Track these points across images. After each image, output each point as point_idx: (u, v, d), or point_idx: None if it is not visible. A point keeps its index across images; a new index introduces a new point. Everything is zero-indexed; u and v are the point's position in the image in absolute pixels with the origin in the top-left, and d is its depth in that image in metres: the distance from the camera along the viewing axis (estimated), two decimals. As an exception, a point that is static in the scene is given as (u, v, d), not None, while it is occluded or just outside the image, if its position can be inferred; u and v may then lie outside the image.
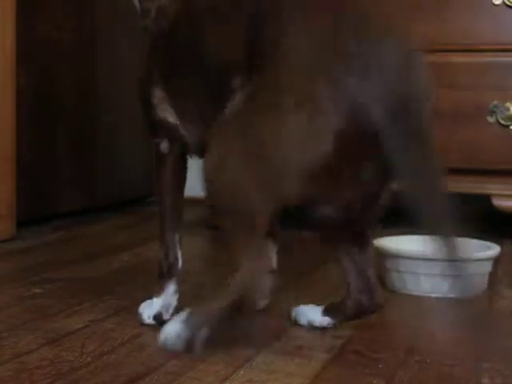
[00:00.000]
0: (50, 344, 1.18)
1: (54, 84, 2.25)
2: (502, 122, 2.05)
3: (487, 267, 1.58)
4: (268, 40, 1.09)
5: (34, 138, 2.16)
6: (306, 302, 1.29)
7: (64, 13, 2.28)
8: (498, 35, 2.07)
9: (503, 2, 2.05)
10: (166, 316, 1.27)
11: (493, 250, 1.61)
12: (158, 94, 1.25)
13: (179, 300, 1.29)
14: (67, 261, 1.78)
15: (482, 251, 1.61)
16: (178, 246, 1.28)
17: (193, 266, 1.63)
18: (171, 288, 1.27)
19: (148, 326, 1.27)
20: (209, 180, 1.11)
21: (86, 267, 1.72)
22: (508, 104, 2.05)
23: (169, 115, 1.25)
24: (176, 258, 1.27)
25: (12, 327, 1.26)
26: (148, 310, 1.28)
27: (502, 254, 1.67)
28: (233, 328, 1.11)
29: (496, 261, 1.64)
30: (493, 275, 1.63)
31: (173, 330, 1.13)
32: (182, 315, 1.14)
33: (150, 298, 1.29)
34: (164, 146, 1.26)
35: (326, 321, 1.25)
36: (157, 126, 1.27)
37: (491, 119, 2.06)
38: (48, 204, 2.24)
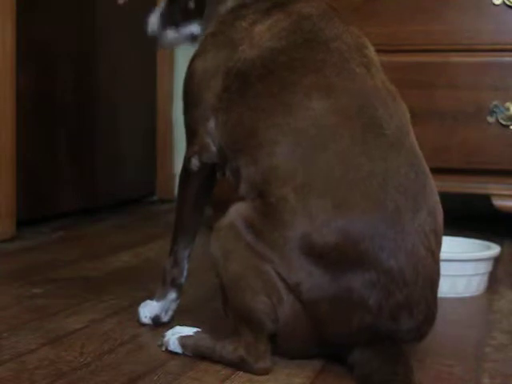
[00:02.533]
0: (50, 344, 1.18)
1: (54, 84, 2.25)
2: (502, 121, 2.05)
3: (487, 267, 1.58)
4: None
5: (34, 138, 2.16)
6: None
7: (64, 13, 2.28)
8: (498, 35, 2.07)
9: (503, 2, 2.05)
10: (164, 318, 1.28)
11: (493, 250, 1.61)
12: (212, 118, 1.19)
13: (180, 300, 1.29)
14: (67, 261, 1.78)
15: (482, 251, 1.61)
16: (186, 260, 1.28)
17: (193, 266, 1.63)
18: (172, 295, 1.28)
19: (148, 326, 1.27)
20: (216, 267, 1.11)
21: (86, 267, 1.72)
22: (508, 104, 2.05)
23: (211, 138, 1.20)
24: (181, 273, 1.28)
25: (12, 327, 1.26)
26: (146, 310, 1.28)
27: (501, 253, 1.68)
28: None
29: (496, 261, 1.65)
30: (493, 275, 1.63)
31: (170, 339, 1.15)
32: (186, 332, 1.15)
33: (150, 298, 1.29)
34: (194, 163, 1.22)
35: None
36: (195, 140, 1.22)
37: (491, 119, 2.06)
38: (48, 204, 2.24)
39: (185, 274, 1.28)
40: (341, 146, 1.07)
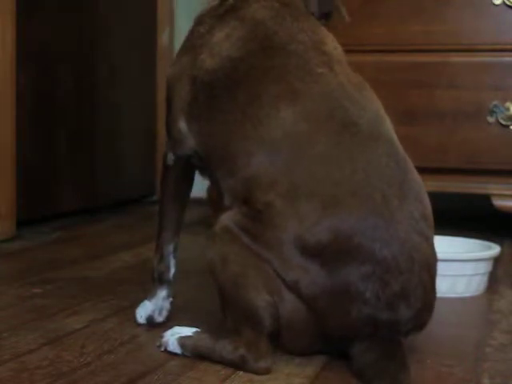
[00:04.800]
0: (50, 344, 1.18)
1: (54, 84, 2.25)
2: (502, 121, 2.05)
3: (487, 267, 1.58)
4: None
5: (34, 138, 2.16)
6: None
7: (64, 13, 2.28)
8: (498, 35, 2.07)
9: (503, 2, 2.05)
10: (158, 319, 1.28)
11: (493, 250, 1.61)
12: (184, 117, 1.21)
13: (175, 302, 1.30)
14: (67, 261, 1.78)
15: (482, 251, 1.61)
16: (171, 255, 1.28)
17: (192, 265, 1.63)
18: (163, 293, 1.28)
19: (148, 326, 1.27)
20: (213, 270, 1.11)
21: (86, 267, 1.72)
22: (508, 104, 2.05)
23: (185, 133, 1.22)
24: (168, 268, 1.28)
25: (12, 327, 1.26)
26: (141, 310, 1.28)
27: (501, 254, 1.68)
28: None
29: (496, 261, 1.65)
30: (493, 275, 1.63)
31: (169, 339, 1.15)
32: (185, 332, 1.15)
33: (146, 297, 1.29)
34: (170, 157, 1.25)
35: None
36: (170, 137, 1.25)
37: (491, 119, 2.06)
38: (48, 204, 2.24)
39: (172, 270, 1.28)
40: (318, 150, 1.08)
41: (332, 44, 1.20)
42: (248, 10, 1.20)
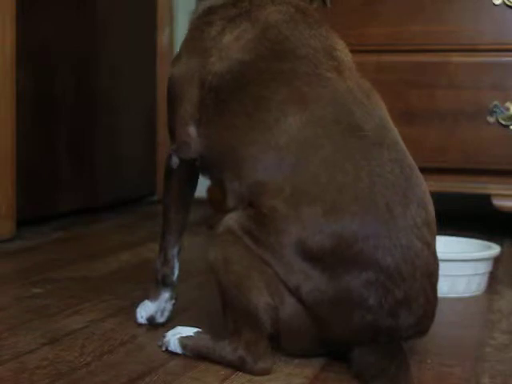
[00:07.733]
0: (50, 344, 1.18)
1: (54, 84, 2.25)
2: (502, 122, 2.05)
3: (487, 267, 1.58)
4: None
5: (34, 138, 2.16)
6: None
7: (64, 13, 2.28)
8: (498, 35, 2.07)
9: (503, 2, 2.05)
10: (159, 319, 1.28)
11: (493, 250, 1.61)
12: (193, 123, 1.21)
13: (177, 301, 1.30)
14: (67, 261, 1.78)
15: (482, 251, 1.61)
16: (176, 258, 1.28)
17: (193, 266, 1.63)
18: (166, 295, 1.28)
19: (148, 326, 1.27)
20: (216, 271, 1.11)
21: (86, 267, 1.72)
22: (508, 104, 2.05)
23: (194, 137, 1.21)
24: (172, 270, 1.28)
25: (12, 327, 1.26)
26: (142, 311, 1.29)
27: (502, 253, 1.68)
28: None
29: (496, 261, 1.65)
30: (493, 275, 1.63)
31: (171, 339, 1.15)
32: (187, 332, 1.15)
33: (148, 298, 1.29)
34: (174, 160, 1.25)
35: None
36: (174, 139, 1.24)
37: (491, 119, 2.06)
38: (48, 204, 2.24)
39: (176, 272, 1.28)
40: (323, 155, 1.07)
41: (344, 51, 1.19)
42: (262, 12, 1.19)
